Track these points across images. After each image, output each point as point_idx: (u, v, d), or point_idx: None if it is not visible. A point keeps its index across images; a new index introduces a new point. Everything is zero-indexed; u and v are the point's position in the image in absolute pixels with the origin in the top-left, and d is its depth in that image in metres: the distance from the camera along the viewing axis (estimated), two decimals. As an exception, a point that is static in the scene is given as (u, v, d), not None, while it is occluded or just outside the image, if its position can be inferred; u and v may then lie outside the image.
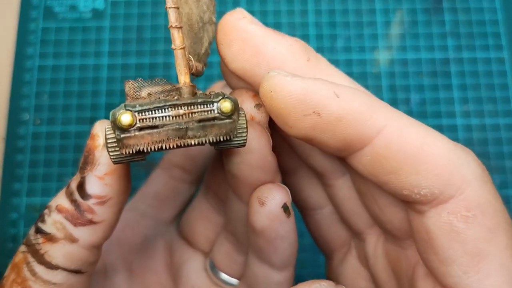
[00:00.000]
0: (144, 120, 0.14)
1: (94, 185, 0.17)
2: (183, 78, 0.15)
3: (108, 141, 0.15)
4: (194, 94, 0.15)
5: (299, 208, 0.22)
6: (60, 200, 0.17)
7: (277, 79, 0.15)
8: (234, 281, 0.22)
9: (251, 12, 0.39)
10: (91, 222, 0.17)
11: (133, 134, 0.14)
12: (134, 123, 0.14)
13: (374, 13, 0.37)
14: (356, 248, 0.21)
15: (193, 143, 0.15)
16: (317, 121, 0.15)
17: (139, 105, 0.14)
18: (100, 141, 0.17)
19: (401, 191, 0.15)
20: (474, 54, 0.36)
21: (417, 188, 0.14)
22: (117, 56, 0.36)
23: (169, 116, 0.14)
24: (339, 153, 0.16)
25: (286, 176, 0.21)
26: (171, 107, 0.14)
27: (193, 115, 0.14)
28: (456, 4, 0.37)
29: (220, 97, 0.15)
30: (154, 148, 0.14)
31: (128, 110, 0.14)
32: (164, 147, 0.14)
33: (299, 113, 0.15)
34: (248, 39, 0.17)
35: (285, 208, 0.18)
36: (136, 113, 0.14)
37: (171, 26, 0.15)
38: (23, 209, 0.34)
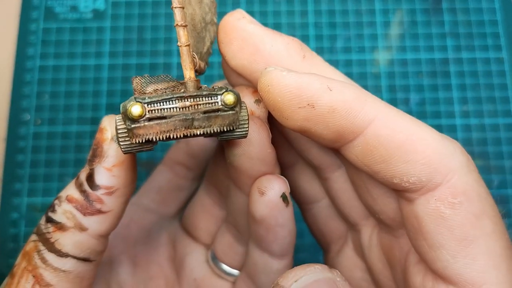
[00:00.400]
0: (153, 111, 0.15)
1: (102, 176, 0.18)
2: (188, 73, 0.16)
3: (119, 131, 0.15)
4: (199, 88, 0.16)
5: (297, 201, 0.23)
6: (70, 190, 0.18)
7: (274, 74, 0.16)
8: (235, 271, 0.23)
9: (251, 13, 0.39)
10: (99, 212, 0.18)
11: (142, 124, 0.15)
12: (143, 114, 0.15)
13: (374, 14, 0.37)
14: (352, 240, 0.22)
15: (198, 133, 0.15)
16: (311, 113, 0.15)
17: (148, 97, 0.15)
18: (108, 134, 0.18)
19: (392, 180, 0.16)
20: (474, 54, 0.36)
21: (406, 176, 0.15)
22: (117, 56, 0.36)
23: (176, 107, 0.15)
24: (333, 144, 0.16)
25: (284, 170, 0.22)
26: (178, 99, 0.15)
27: (199, 107, 0.15)
28: (456, 5, 0.38)
29: (224, 90, 0.16)
30: (162, 138, 0.15)
31: (138, 101, 0.15)
32: (171, 137, 0.15)
33: (295, 106, 0.15)
34: (247, 38, 0.18)
35: (283, 197, 0.19)
36: (146, 105, 0.15)
37: (177, 24, 0.16)
38: (23, 209, 0.34)
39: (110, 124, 0.18)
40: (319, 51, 0.37)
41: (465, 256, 0.15)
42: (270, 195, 0.18)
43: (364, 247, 0.20)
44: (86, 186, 0.18)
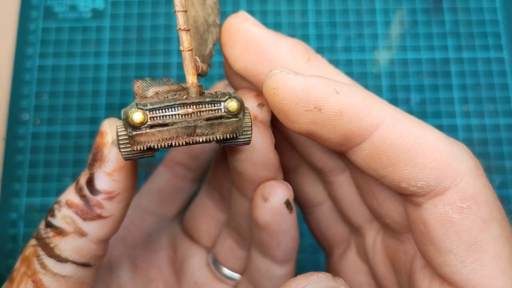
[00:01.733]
0: (155, 118, 0.15)
1: (103, 181, 0.17)
2: (191, 78, 0.16)
3: (120, 138, 0.15)
4: (201, 93, 0.16)
5: (299, 205, 0.23)
6: (70, 195, 0.18)
7: (280, 76, 0.15)
8: (236, 275, 0.23)
9: (251, 13, 0.39)
10: (100, 217, 0.18)
11: (144, 132, 0.15)
12: (145, 121, 0.15)
13: (374, 13, 0.37)
14: (356, 244, 0.22)
15: (201, 140, 0.15)
16: (318, 116, 0.15)
17: (150, 104, 0.15)
18: (109, 138, 0.18)
19: (399, 184, 0.15)
20: (474, 54, 0.36)
21: (414, 180, 0.15)
22: (117, 56, 0.36)
23: (178, 114, 0.15)
24: (339, 147, 0.16)
25: (287, 174, 0.22)
26: (180, 106, 0.15)
27: (201, 114, 0.15)
28: (456, 4, 0.37)
29: (227, 97, 0.15)
30: (164, 145, 0.15)
31: (140, 108, 0.15)
32: (173, 144, 0.15)
33: (301, 109, 0.15)
34: (251, 40, 0.17)
35: (287, 203, 0.18)
36: (147, 112, 0.15)
37: (179, 28, 0.16)
38: (22, 210, 0.34)
39: (110, 128, 0.18)
40: (320, 50, 0.37)
41: (473, 261, 0.15)
42: (273, 201, 0.18)
43: (368, 251, 0.20)
44: (86, 191, 0.18)
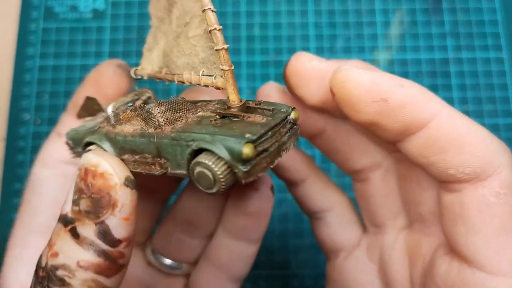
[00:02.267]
0: (258, 147, 0.15)
1: (121, 228, 0.15)
2: (236, 97, 0.17)
3: (220, 176, 0.15)
4: (246, 107, 0.17)
5: (308, 214, 0.24)
6: (79, 254, 0.15)
7: (350, 71, 0.17)
8: (183, 265, 0.23)
9: (251, 13, 0.39)
10: (123, 267, 0.16)
11: (255, 162, 0.15)
12: (255, 153, 0.15)
13: (374, 13, 0.37)
14: (368, 243, 0.23)
15: (284, 154, 0.16)
16: (383, 107, 0.17)
17: (252, 134, 0.15)
18: (115, 179, 0.15)
19: (447, 171, 0.17)
20: (474, 54, 0.36)
21: (462, 167, 0.17)
22: (117, 56, 0.36)
23: (271, 137, 0.16)
24: (396, 137, 0.18)
25: (295, 187, 0.23)
26: (270, 130, 0.16)
27: (281, 130, 0.16)
28: (456, 5, 0.37)
29: (290, 109, 0.17)
30: (268, 169, 0.16)
31: (249, 142, 0.15)
32: (273, 166, 0.16)
33: (369, 100, 0.17)
34: (323, 76, 0.19)
35: (272, 189, 0.21)
36: (254, 143, 0.15)
37: (218, 48, 0.16)
38: (23, 209, 0.34)
39: (113, 167, 0.16)
40: (319, 51, 0.37)
41: (497, 244, 0.16)
42: (264, 189, 0.20)
43: (386, 247, 0.21)
44: (103, 245, 0.15)
